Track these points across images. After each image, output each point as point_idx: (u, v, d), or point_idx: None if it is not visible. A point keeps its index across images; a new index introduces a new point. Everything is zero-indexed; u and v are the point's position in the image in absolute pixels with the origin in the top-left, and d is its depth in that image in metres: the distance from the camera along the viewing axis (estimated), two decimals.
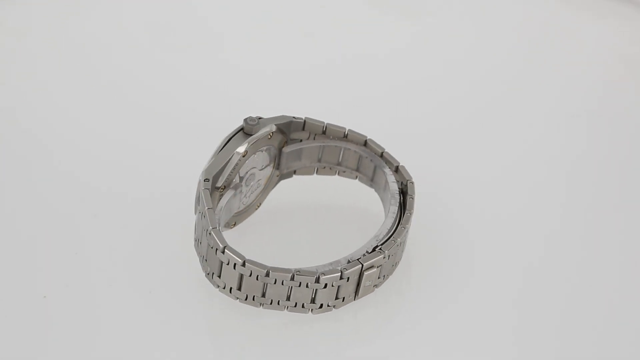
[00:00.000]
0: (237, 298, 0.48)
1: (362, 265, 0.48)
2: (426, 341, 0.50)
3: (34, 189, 0.56)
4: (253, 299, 0.48)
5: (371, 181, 0.55)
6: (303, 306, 0.49)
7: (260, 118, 0.53)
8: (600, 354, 0.51)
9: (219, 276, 0.48)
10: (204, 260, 0.49)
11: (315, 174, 0.56)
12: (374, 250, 0.49)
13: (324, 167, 0.56)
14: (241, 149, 0.51)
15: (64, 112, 0.62)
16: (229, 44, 0.70)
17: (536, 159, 0.62)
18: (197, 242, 0.50)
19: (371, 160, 0.54)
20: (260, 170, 0.54)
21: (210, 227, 0.48)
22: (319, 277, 0.48)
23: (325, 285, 0.48)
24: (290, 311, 0.49)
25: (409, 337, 0.51)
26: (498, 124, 0.65)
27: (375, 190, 0.55)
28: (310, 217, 0.56)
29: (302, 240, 0.54)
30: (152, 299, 0.50)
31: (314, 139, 0.55)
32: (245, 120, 0.51)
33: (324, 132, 0.55)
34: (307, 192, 0.57)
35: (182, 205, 0.54)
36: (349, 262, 0.49)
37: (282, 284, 0.47)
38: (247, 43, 0.71)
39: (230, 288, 0.48)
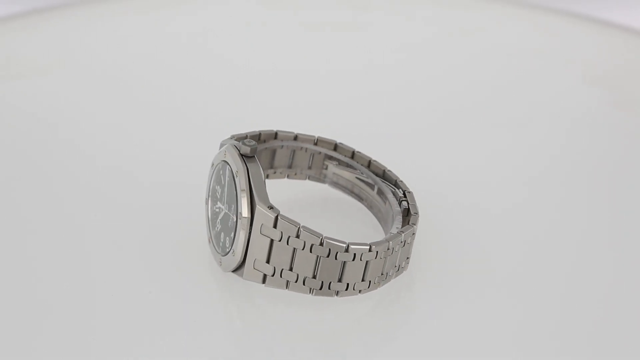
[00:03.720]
0: (360, 290, 0.49)
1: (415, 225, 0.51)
2: (425, 343, 0.50)
3: (34, 188, 0.56)
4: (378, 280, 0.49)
5: (288, 168, 0.55)
6: (389, 274, 0.50)
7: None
8: (602, 357, 0.51)
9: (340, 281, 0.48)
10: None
11: None
12: (408, 215, 0.51)
13: None
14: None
15: (65, 111, 0.63)
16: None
17: (536, 160, 0.63)
18: (280, 272, 0.48)
19: (287, 146, 0.54)
20: None
21: (318, 238, 0.47)
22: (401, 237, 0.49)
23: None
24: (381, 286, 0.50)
25: (408, 338, 0.51)
26: (497, 124, 0.65)
27: (294, 176, 0.55)
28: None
29: None
30: (153, 299, 0.50)
31: None
32: (244, 143, 0.50)
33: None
34: None
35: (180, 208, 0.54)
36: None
37: (381, 257, 0.48)
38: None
39: (358, 286, 0.49)
